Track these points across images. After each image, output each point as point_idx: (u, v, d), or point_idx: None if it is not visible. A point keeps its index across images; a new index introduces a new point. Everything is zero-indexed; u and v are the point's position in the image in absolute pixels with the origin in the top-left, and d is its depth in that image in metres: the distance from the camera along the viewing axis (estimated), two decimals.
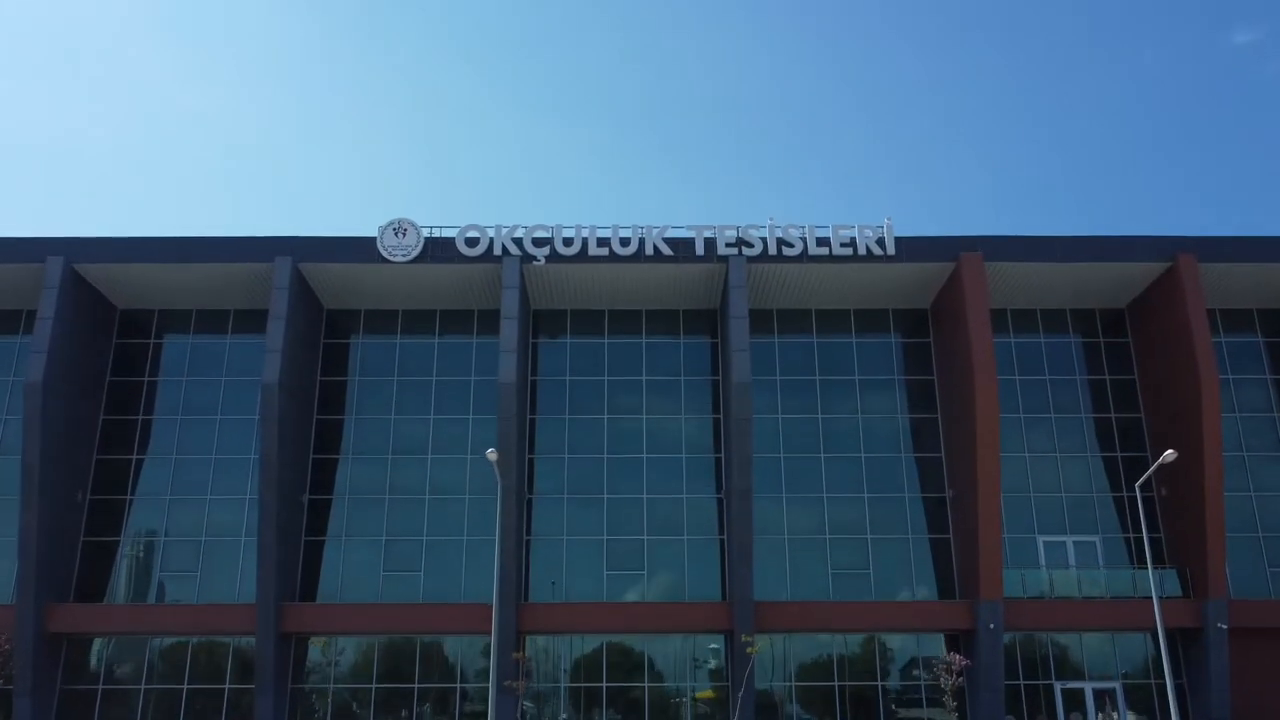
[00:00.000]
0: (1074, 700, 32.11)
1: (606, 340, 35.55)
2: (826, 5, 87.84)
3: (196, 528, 33.31)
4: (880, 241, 32.81)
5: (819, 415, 34.78)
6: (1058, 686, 32.21)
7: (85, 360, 33.46)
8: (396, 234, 32.73)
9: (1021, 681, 32.05)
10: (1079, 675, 32.37)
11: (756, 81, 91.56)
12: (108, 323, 34.75)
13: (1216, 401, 31.38)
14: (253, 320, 34.97)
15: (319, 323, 35.08)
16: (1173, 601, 31.45)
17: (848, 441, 34.56)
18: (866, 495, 34.02)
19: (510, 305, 32.13)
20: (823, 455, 34.40)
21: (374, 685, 31.81)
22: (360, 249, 32.89)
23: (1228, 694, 30.51)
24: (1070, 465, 34.40)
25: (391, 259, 32.54)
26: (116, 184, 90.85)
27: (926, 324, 35.62)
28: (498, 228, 32.85)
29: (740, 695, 29.59)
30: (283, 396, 31.14)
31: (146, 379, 34.81)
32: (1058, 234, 33.63)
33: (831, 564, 33.32)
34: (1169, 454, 25.27)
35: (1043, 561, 33.33)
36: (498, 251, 32.62)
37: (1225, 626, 30.80)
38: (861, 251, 32.77)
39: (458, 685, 31.77)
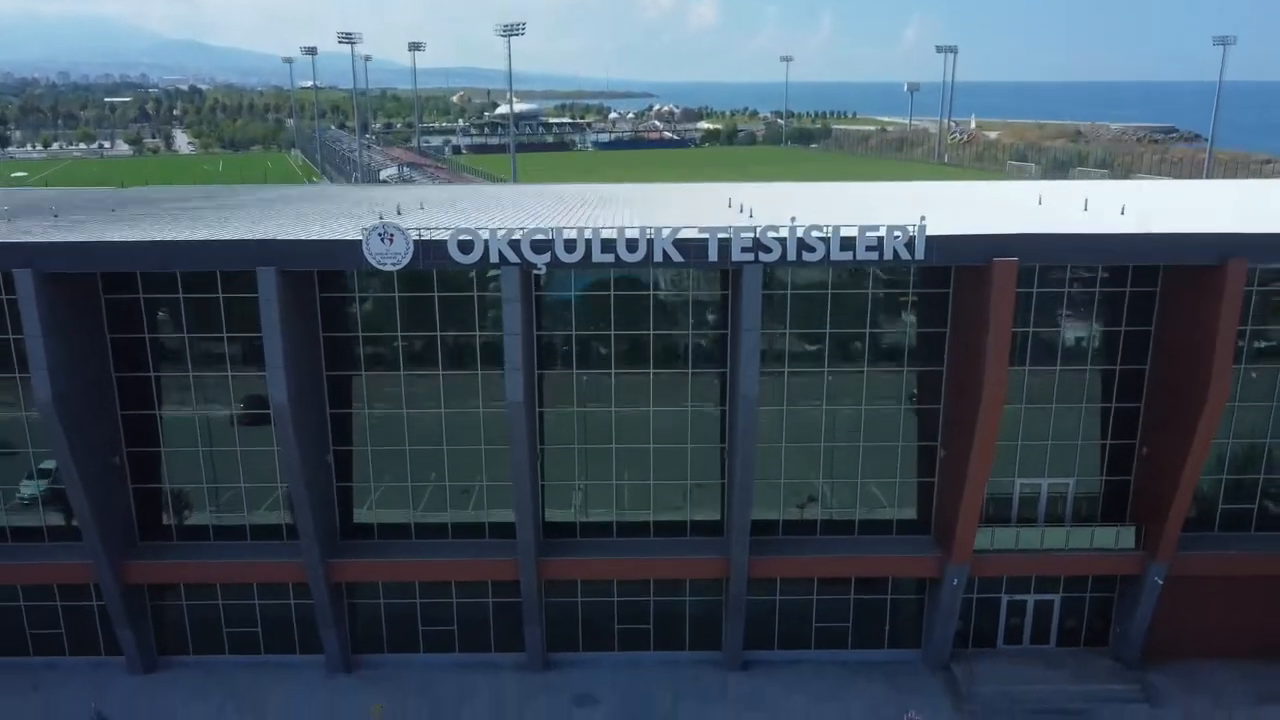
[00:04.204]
0: (1016, 609, 37.54)
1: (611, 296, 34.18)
2: None
3: (233, 474, 35.68)
4: (910, 244, 30.23)
5: (825, 372, 34.91)
6: (1005, 599, 37.40)
7: (81, 336, 32.79)
8: (382, 239, 30.07)
9: (975, 595, 37.09)
10: (1025, 589, 37.32)
11: None
12: (92, 285, 33.13)
13: (1220, 406, 31.83)
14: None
15: (311, 281, 33.42)
16: (1123, 555, 35.28)
17: (850, 393, 35.20)
18: (862, 444, 35.73)
19: (513, 321, 30.84)
20: (824, 408, 35.34)
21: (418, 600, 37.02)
22: (347, 253, 30.51)
23: (1146, 629, 35.83)
24: (1064, 416, 35.47)
25: (381, 267, 30.33)
26: None
27: (949, 277, 33.85)
28: (492, 231, 30.05)
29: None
30: (293, 408, 31.54)
31: (147, 336, 34.24)
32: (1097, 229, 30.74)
33: (823, 505, 36.39)
34: None
35: (1016, 505, 36.28)
36: (494, 258, 30.25)
37: (1161, 581, 34.99)
38: (888, 255, 30.38)
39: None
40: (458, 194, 51.85)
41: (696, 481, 36.00)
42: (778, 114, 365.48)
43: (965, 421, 32.98)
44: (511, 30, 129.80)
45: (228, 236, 31.09)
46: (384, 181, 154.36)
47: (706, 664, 37.05)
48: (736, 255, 30.31)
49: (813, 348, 34.63)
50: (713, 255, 30.34)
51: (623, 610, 37.23)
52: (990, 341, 30.86)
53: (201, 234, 32.87)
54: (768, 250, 30.26)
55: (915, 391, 35.22)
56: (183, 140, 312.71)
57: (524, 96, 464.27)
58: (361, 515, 36.35)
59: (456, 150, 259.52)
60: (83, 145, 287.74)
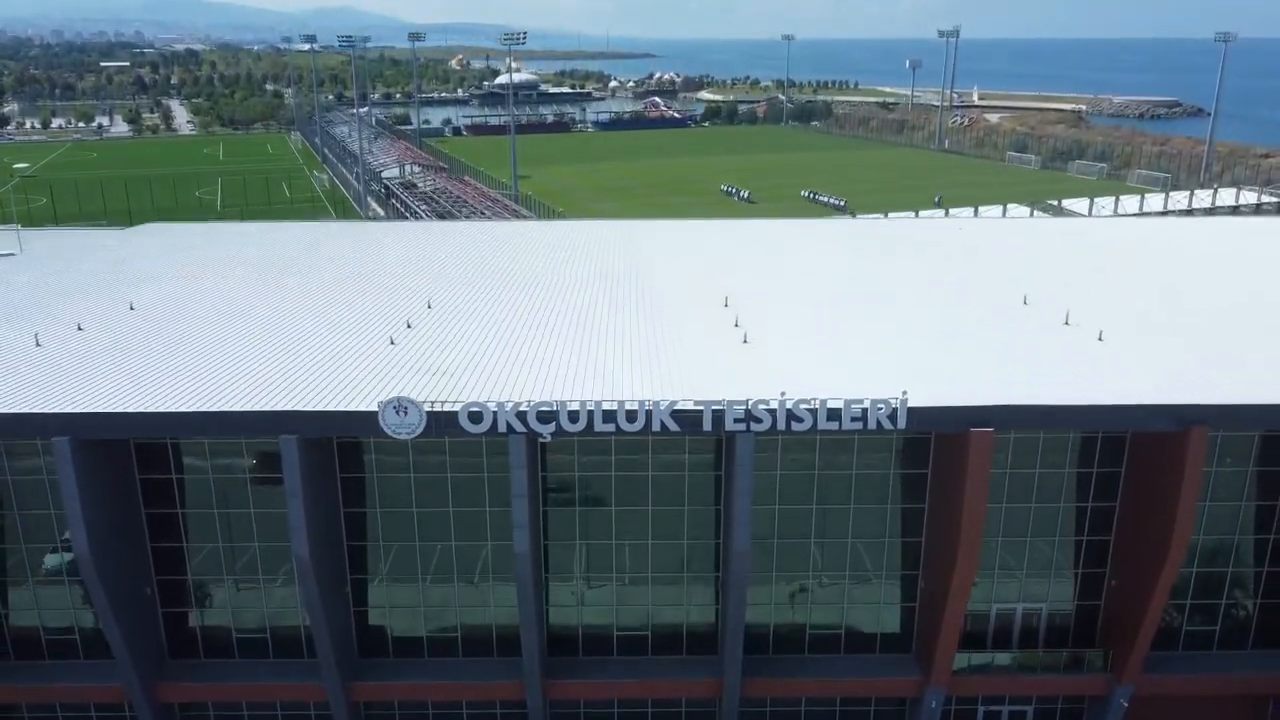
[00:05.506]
0: (992, 719, 40.03)
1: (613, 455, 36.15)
2: None
3: (256, 603, 37.96)
4: (892, 415, 32.18)
5: (813, 506, 37.05)
6: (981, 709, 39.88)
7: (114, 483, 34.91)
8: (398, 412, 32.05)
9: (953, 706, 39.57)
10: (1000, 701, 39.78)
11: None
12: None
13: (1180, 555, 34.03)
14: None
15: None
16: (1092, 677, 37.68)
17: (837, 526, 37.37)
18: (849, 573, 37.99)
19: (519, 484, 32.94)
20: (812, 540, 37.54)
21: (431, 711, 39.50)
22: (364, 423, 32.50)
23: None
24: (1038, 547, 37.67)
25: (396, 436, 32.34)
26: None
27: None
28: (500, 404, 32.04)
29: None
30: (314, 560, 33.74)
31: (174, 476, 36.33)
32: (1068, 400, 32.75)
33: (810, 625, 38.71)
34: None
35: (992, 624, 38.60)
36: (502, 428, 32.26)
37: (1126, 704, 37.43)
38: (871, 425, 32.34)
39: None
40: (456, 265, 53.78)
41: (692, 606, 38.30)
42: (779, 84, 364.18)
43: (943, 564, 35.15)
44: (512, 40, 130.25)
45: (253, 408, 32.95)
46: (385, 182, 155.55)
47: None
48: (730, 425, 32.28)
49: (801, 486, 36.69)
50: (707, 426, 32.31)
51: (622, 716, 39.72)
52: (966, 503, 32.94)
53: (226, 388, 34.86)
54: (759, 421, 32.22)
55: (898, 525, 37.41)
56: (182, 117, 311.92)
57: (523, 57, 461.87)
58: (377, 629, 38.67)
59: (457, 131, 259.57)
60: (82, 124, 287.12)
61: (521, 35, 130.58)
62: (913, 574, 37.82)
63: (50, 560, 37.56)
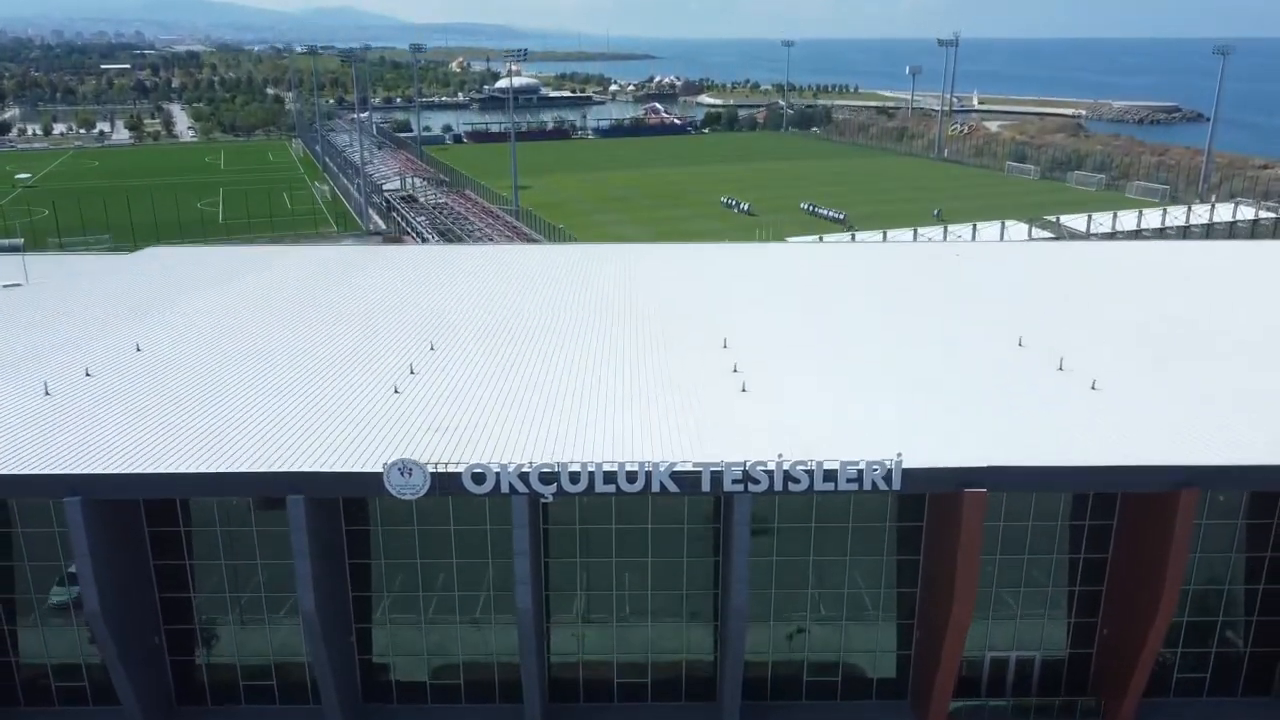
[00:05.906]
0: None
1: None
2: None
3: (262, 650, 38.61)
4: (887, 476, 32.81)
5: (810, 557, 37.71)
6: None
7: (123, 539, 35.57)
8: (402, 474, 32.69)
9: None
10: None
11: None
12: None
13: (1170, 610, 34.69)
14: None
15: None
16: None
17: (834, 576, 38.03)
18: (845, 621, 38.64)
19: (521, 541, 33.58)
20: (809, 591, 38.19)
21: None
22: (369, 484, 33.10)
23: None
24: (1030, 598, 38.32)
25: (401, 496, 32.98)
26: None
27: None
28: (503, 466, 32.67)
29: None
30: (320, 614, 34.38)
31: (182, 528, 36.99)
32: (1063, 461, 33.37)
33: (808, 673, 39.36)
34: None
35: (987, 671, 39.25)
36: (505, 489, 32.88)
37: None
38: (867, 486, 32.98)
39: None
40: (454, 314, 54.50)
41: (691, 654, 38.97)
42: (779, 88, 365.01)
43: (938, 615, 35.78)
44: (516, 55, 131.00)
45: (260, 469, 33.57)
46: (386, 195, 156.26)
47: None
48: (728, 486, 32.89)
49: (798, 538, 37.34)
50: (706, 487, 32.93)
51: None
52: (960, 558, 33.57)
53: (234, 443, 35.49)
54: (756, 482, 32.85)
55: (894, 576, 38.06)
56: (183, 123, 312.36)
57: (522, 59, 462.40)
58: (381, 675, 39.32)
59: (457, 139, 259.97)
60: (83, 131, 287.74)
61: (522, 52, 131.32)
62: (908, 623, 38.47)
63: (57, 594, 38.12)
